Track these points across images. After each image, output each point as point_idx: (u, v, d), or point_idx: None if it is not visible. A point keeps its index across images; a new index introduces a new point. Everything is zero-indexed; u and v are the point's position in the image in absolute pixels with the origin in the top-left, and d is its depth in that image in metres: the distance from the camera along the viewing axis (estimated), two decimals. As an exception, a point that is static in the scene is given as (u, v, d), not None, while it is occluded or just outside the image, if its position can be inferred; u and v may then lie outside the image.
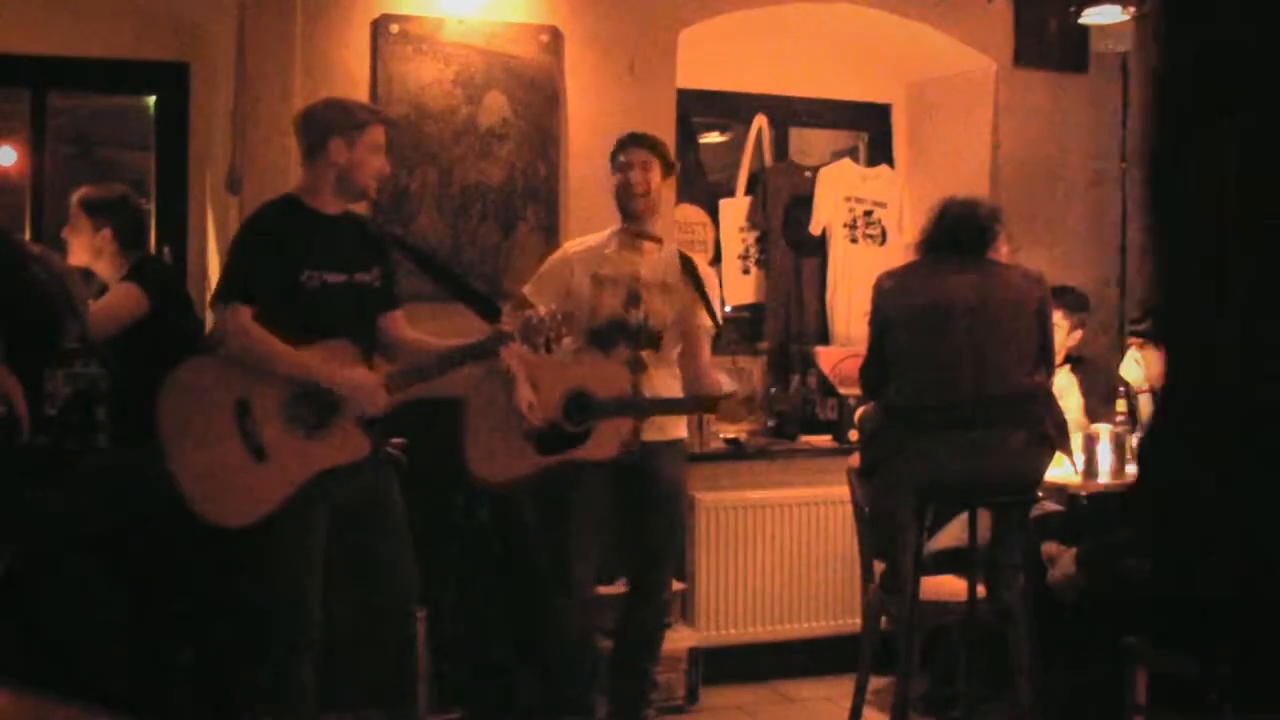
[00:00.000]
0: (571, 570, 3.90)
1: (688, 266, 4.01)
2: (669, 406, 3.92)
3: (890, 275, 3.93)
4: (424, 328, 3.68)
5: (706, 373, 4.07)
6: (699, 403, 4.05)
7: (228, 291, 3.34)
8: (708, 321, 4.03)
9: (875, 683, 4.27)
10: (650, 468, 3.91)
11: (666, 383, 3.96)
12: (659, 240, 4.02)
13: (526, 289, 4.02)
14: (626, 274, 3.94)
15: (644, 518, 3.96)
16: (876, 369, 3.85)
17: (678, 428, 4.03)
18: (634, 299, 3.93)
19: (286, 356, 3.29)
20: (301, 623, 3.36)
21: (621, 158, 3.99)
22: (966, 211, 3.85)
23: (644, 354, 3.89)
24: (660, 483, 3.93)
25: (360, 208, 3.72)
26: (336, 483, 3.36)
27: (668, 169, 4.03)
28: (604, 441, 3.81)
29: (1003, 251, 4.04)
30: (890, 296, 3.82)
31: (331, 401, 3.31)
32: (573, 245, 4.10)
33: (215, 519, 3.33)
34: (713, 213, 5.41)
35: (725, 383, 4.06)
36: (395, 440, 3.60)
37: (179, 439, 3.33)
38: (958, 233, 3.81)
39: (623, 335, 3.86)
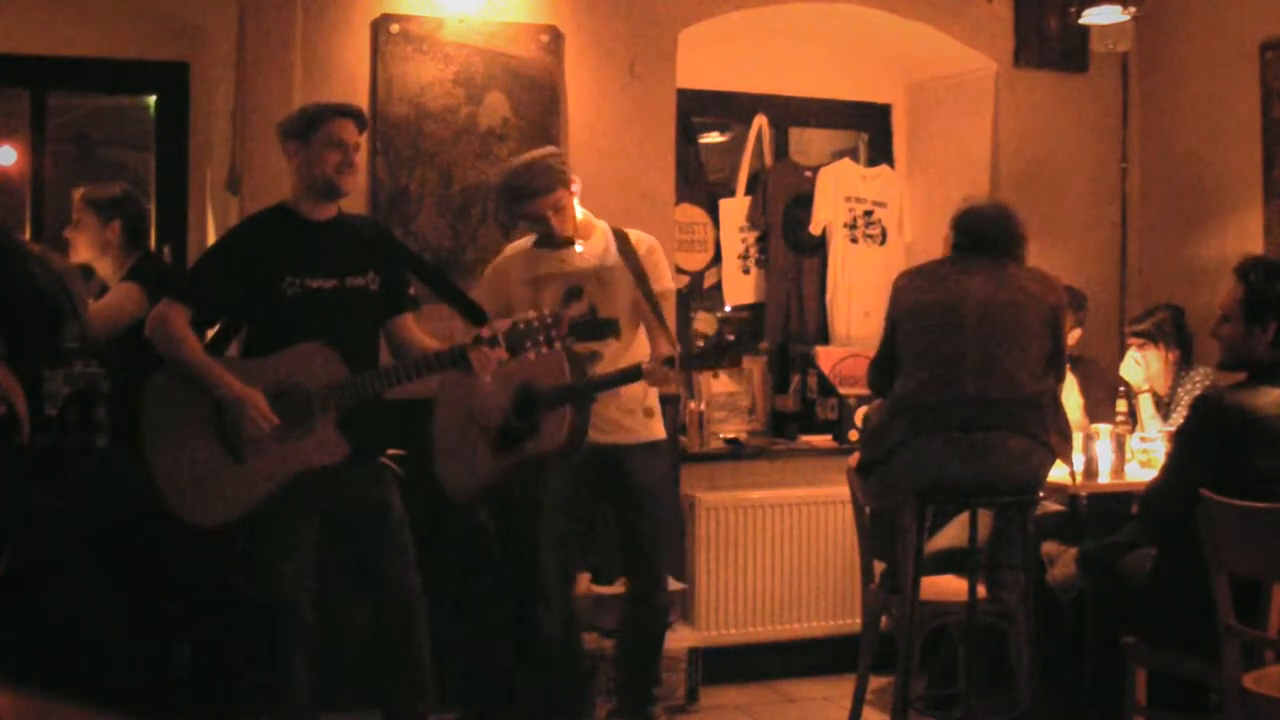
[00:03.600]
0: (545, 576, 3.86)
1: (623, 243, 3.93)
2: (600, 383, 3.80)
3: (905, 274, 3.92)
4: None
5: (660, 344, 3.92)
6: (624, 375, 3.80)
7: (176, 290, 3.47)
8: (658, 287, 3.93)
9: (875, 683, 4.28)
10: (624, 470, 3.89)
11: None
12: (574, 241, 3.91)
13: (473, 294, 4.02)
14: (562, 270, 3.90)
15: (626, 519, 3.94)
16: (885, 367, 3.84)
17: (648, 428, 3.95)
18: (575, 293, 3.89)
19: (196, 361, 3.34)
20: (291, 621, 3.38)
21: (531, 209, 3.83)
22: (989, 215, 3.83)
23: (598, 346, 3.83)
24: (635, 485, 3.90)
25: (359, 208, 3.72)
26: (324, 485, 3.37)
27: (568, 182, 3.89)
28: (551, 432, 3.76)
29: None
30: (903, 294, 3.81)
31: (308, 404, 3.32)
32: (508, 249, 4.03)
33: (190, 517, 3.37)
34: (713, 213, 5.41)
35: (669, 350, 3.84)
36: (393, 450, 3.60)
37: (158, 437, 3.37)
38: (978, 235, 3.78)
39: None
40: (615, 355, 3.88)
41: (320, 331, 3.36)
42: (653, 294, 3.89)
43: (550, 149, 4.02)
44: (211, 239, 4.66)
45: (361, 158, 3.58)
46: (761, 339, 5.46)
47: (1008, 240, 3.78)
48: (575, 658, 4.07)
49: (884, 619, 4.04)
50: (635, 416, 3.93)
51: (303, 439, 3.33)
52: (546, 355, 3.64)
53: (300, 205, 3.48)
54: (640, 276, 3.89)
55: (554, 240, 3.88)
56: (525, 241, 4.02)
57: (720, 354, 3.71)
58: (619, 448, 3.88)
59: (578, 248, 3.91)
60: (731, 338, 3.78)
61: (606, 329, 3.83)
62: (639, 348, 3.94)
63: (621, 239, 3.94)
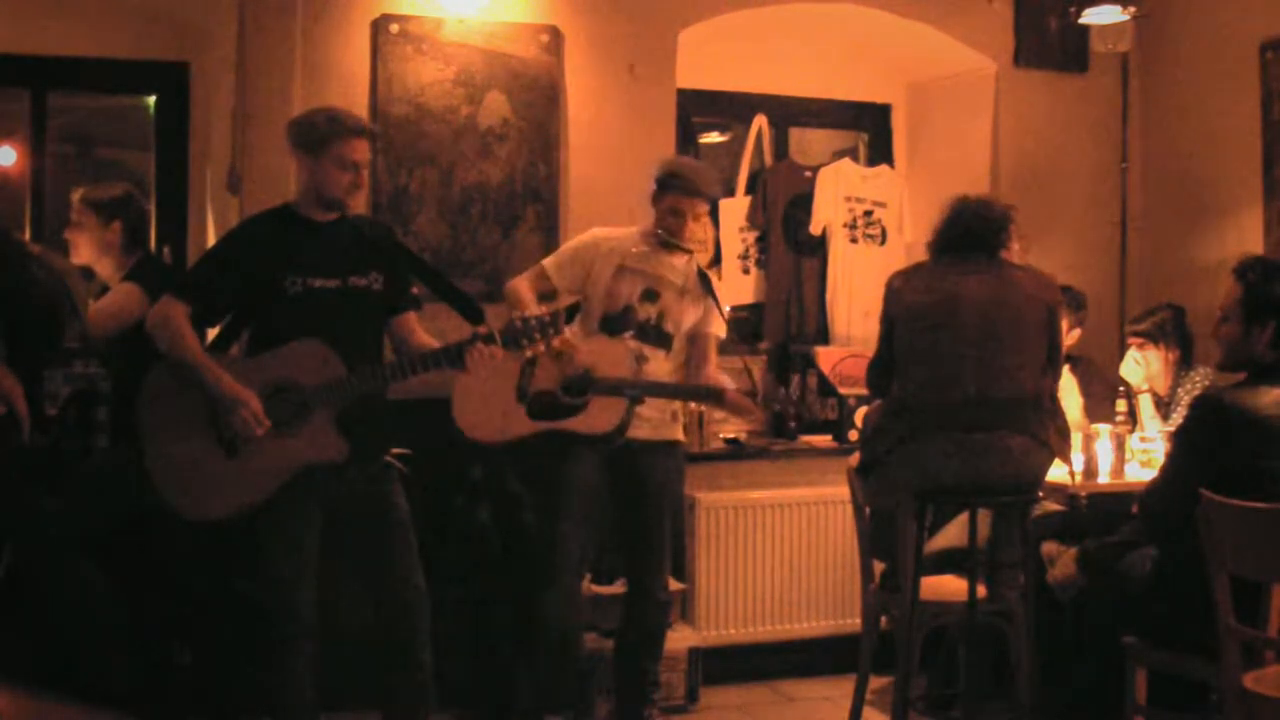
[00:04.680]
0: (559, 564, 3.89)
1: (703, 276, 4.08)
2: (666, 390, 3.91)
3: (900, 274, 3.92)
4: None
5: (713, 377, 4.09)
6: (697, 391, 4.04)
7: (175, 285, 3.47)
8: (718, 329, 4.11)
9: (875, 683, 4.27)
10: (640, 466, 3.94)
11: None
12: (689, 252, 4.06)
13: (548, 261, 4.05)
14: (650, 271, 3.98)
15: (634, 517, 3.98)
16: (883, 368, 3.85)
17: (672, 429, 4.04)
18: (651, 295, 3.97)
19: (194, 358, 3.33)
20: (292, 620, 3.37)
21: (681, 202, 3.95)
22: (980, 211, 3.84)
23: (649, 350, 3.91)
24: (649, 482, 3.95)
25: (359, 208, 3.72)
26: (327, 484, 3.37)
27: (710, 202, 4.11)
28: (598, 416, 3.81)
29: (1014, 249, 4.02)
30: (899, 295, 3.81)
31: (303, 402, 3.32)
32: (603, 232, 4.11)
33: (185, 512, 3.37)
34: (713, 213, 5.39)
35: (729, 383, 4.07)
36: (397, 450, 3.60)
37: (154, 433, 3.37)
38: (971, 233, 3.80)
39: (632, 325, 3.88)
40: (659, 366, 3.96)
41: (322, 331, 3.36)
42: (713, 331, 4.06)
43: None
44: (211, 239, 4.66)
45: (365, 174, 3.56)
46: (761, 339, 5.46)
47: (999, 237, 3.79)
48: (574, 648, 4.07)
49: (884, 619, 4.04)
50: (663, 416, 4.00)
51: (299, 436, 3.33)
52: (614, 347, 3.80)
53: (303, 206, 3.49)
54: (710, 309, 4.04)
55: (673, 241, 3.97)
56: (623, 229, 4.09)
57: (796, 410, 3.81)
58: (639, 442, 3.93)
59: (688, 257, 4.03)
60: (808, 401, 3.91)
61: (664, 340, 3.96)
62: (677, 372, 4.05)
63: (704, 276, 4.08)
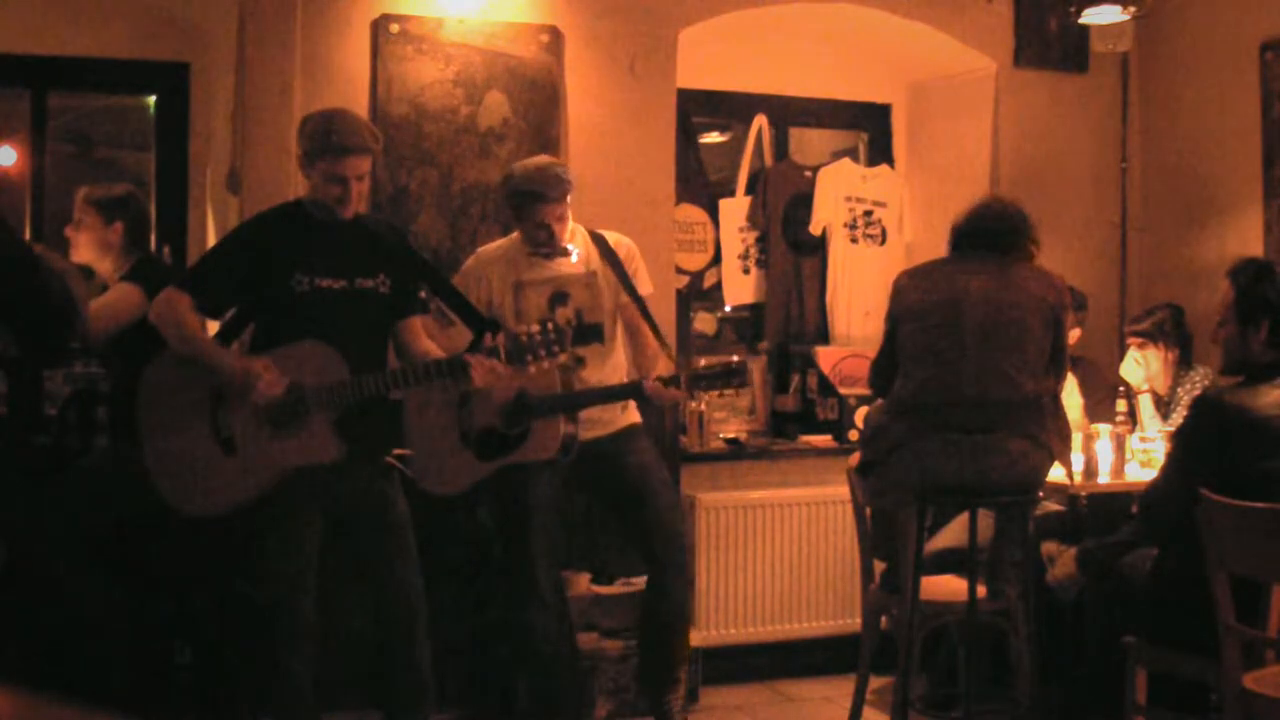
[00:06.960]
0: (538, 580, 3.84)
1: (602, 246, 3.94)
2: (597, 396, 3.83)
3: (907, 273, 3.92)
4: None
5: (652, 353, 3.96)
6: (617, 392, 3.87)
7: (182, 278, 3.49)
8: (642, 291, 3.96)
9: (875, 683, 4.28)
10: (612, 460, 3.87)
11: (608, 376, 3.90)
12: (569, 251, 3.91)
13: None
14: (547, 275, 3.89)
15: (631, 506, 3.90)
16: (886, 367, 3.84)
17: (625, 417, 3.95)
18: (560, 298, 3.88)
19: (198, 343, 3.35)
20: (292, 621, 3.37)
21: (540, 215, 3.80)
22: (985, 212, 3.83)
23: (584, 350, 3.82)
24: (628, 469, 3.88)
25: (360, 207, 3.71)
26: (326, 485, 3.37)
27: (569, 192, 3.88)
28: (542, 442, 3.75)
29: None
30: (904, 294, 3.81)
31: (303, 403, 3.32)
32: (486, 251, 4.00)
33: (182, 507, 3.37)
34: (713, 213, 5.40)
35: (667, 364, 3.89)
36: (398, 450, 3.60)
37: (153, 426, 3.37)
38: (978, 233, 3.79)
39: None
40: (599, 360, 3.89)
41: (327, 331, 3.35)
42: (641, 298, 3.91)
43: (554, 158, 3.99)
44: (212, 239, 4.66)
45: (365, 183, 3.49)
46: (761, 339, 5.46)
47: (1011, 237, 3.78)
48: (570, 659, 4.06)
49: (884, 619, 4.04)
50: (612, 409, 3.93)
51: (296, 437, 3.33)
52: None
53: (311, 205, 3.48)
54: (624, 280, 3.91)
55: (552, 248, 3.87)
56: (504, 243, 3.99)
57: (728, 377, 3.72)
58: (602, 439, 3.88)
59: (573, 257, 3.90)
60: (736, 358, 3.80)
61: (592, 334, 3.83)
62: (620, 353, 3.98)
63: (600, 242, 3.95)
